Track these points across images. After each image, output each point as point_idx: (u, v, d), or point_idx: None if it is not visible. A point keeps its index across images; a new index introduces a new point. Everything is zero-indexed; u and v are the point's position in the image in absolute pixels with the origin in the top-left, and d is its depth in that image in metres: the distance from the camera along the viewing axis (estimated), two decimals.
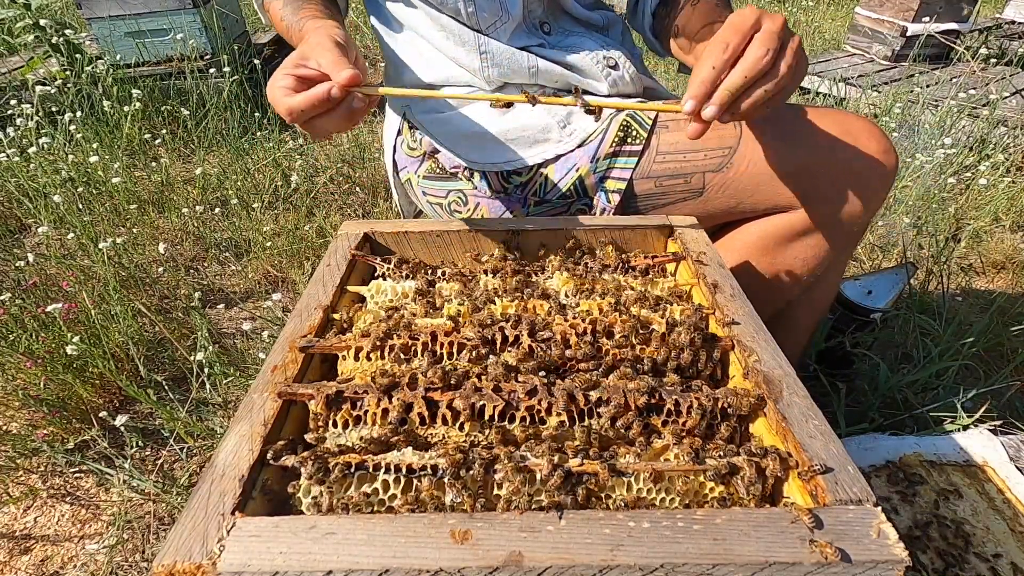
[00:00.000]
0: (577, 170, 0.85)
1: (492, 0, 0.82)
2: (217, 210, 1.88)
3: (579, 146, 0.85)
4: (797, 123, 0.77)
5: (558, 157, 0.86)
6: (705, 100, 0.60)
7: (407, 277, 0.70)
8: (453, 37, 0.85)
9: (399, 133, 0.96)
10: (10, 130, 2.04)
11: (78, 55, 2.38)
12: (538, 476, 0.45)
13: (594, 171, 0.84)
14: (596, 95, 0.88)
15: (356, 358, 0.55)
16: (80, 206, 1.76)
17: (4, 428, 1.17)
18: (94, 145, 2.01)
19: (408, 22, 0.88)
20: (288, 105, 0.60)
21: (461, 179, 0.92)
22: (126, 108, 2.16)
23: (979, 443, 0.90)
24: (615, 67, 0.88)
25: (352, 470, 0.45)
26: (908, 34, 2.79)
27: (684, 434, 0.50)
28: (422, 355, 0.55)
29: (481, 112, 0.88)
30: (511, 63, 0.85)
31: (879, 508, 0.40)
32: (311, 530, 0.38)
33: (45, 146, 1.97)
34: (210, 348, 1.20)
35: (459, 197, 0.94)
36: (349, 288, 0.67)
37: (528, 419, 0.50)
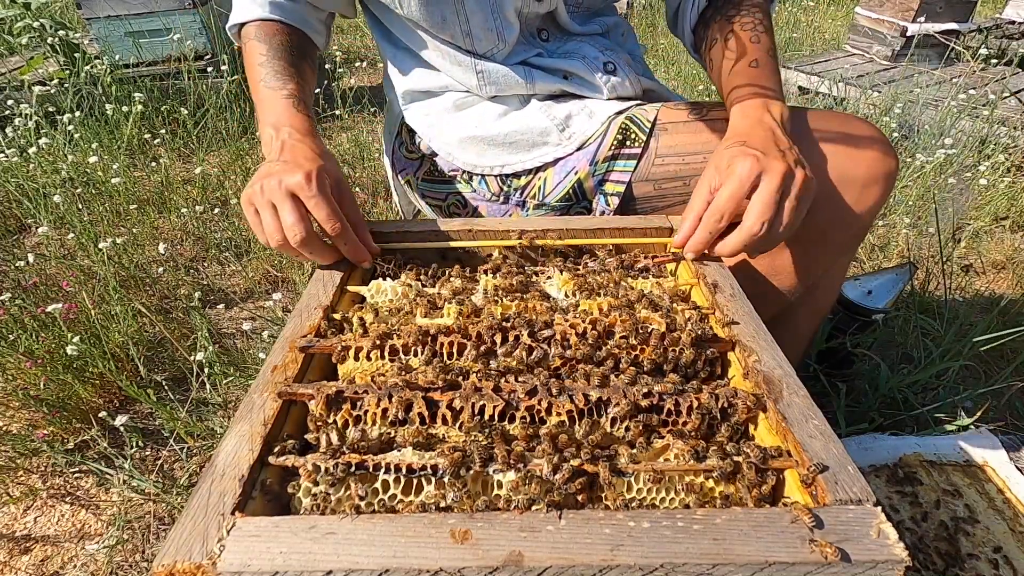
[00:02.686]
0: (576, 173, 0.85)
1: (489, 30, 0.81)
2: (217, 210, 1.88)
3: (578, 149, 0.84)
4: (796, 127, 0.77)
5: (557, 160, 0.86)
6: (700, 253, 0.68)
7: (407, 277, 0.70)
8: (450, 57, 0.85)
9: (398, 135, 0.96)
10: (9, 130, 2.04)
11: (77, 55, 2.38)
12: (539, 475, 0.45)
13: (593, 174, 0.84)
14: (596, 100, 0.88)
15: (356, 358, 0.55)
16: (80, 206, 1.76)
17: (4, 428, 1.17)
18: (93, 145, 2.01)
19: (406, 39, 0.88)
20: (295, 242, 0.63)
21: (460, 182, 0.92)
22: (125, 108, 2.16)
23: (979, 443, 0.90)
24: (613, 72, 0.88)
25: (352, 470, 0.45)
26: (908, 34, 2.79)
27: (684, 434, 0.50)
28: (422, 355, 0.55)
29: (479, 116, 0.87)
30: (507, 79, 0.85)
31: (879, 508, 0.40)
32: (311, 530, 0.38)
33: (44, 146, 1.97)
34: (210, 348, 1.20)
35: (458, 200, 0.94)
36: (349, 288, 0.67)
37: (528, 419, 0.50)
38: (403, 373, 0.53)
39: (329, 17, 0.90)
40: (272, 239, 0.63)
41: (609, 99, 0.88)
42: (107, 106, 2.13)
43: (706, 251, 0.68)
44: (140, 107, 2.15)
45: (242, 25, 0.84)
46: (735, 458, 0.46)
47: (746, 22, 0.80)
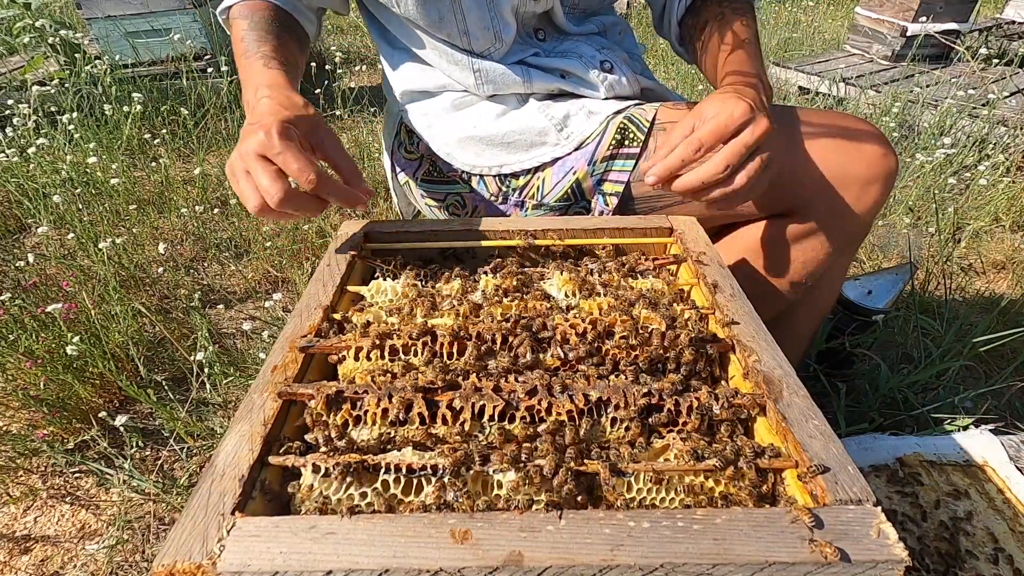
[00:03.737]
0: (574, 173, 0.85)
1: (486, 29, 0.81)
2: (217, 210, 1.88)
3: (576, 149, 0.84)
4: (796, 126, 0.77)
5: (555, 160, 0.86)
6: (664, 179, 0.65)
7: (407, 277, 0.70)
8: (447, 56, 0.85)
9: (397, 135, 0.96)
10: (9, 130, 2.04)
11: (77, 55, 2.38)
12: (538, 476, 0.45)
13: (591, 174, 0.84)
14: (594, 99, 0.88)
15: (356, 358, 0.55)
16: (80, 206, 1.76)
17: (4, 428, 1.17)
18: (92, 145, 2.01)
19: (403, 39, 0.88)
20: (275, 203, 0.58)
21: (459, 183, 0.92)
22: (125, 108, 2.16)
23: (979, 443, 0.90)
24: (611, 70, 0.88)
25: (352, 470, 0.45)
26: (908, 34, 2.79)
27: (684, 434, 0.50)
28: (422, 355, 0.55)
29: (478, 116, 0.87)
30: (504, 78, 0.85)
31: (879, 508, 0.40)
32: (311, 530, 0.38)
33: (44, 146, 1.97)
34: (210, 348, 1.20)
35: (457, 200, 0.94)
36: (349, 288, 0.67)
37: (528, 419, 0.50)
38: (404, 373, 0.53)
39: (319, 9, 0.89)
40: (252, 204, 0.59)
41: (607, 98, 0.88)
42: (105, 106, 2.13)
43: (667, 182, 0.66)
44: (139, 107, 2.14)
45: (230, 9, 0.83)
46: (732, 456, 0.46)
47: (737, 7, 0.82)
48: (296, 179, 0.59)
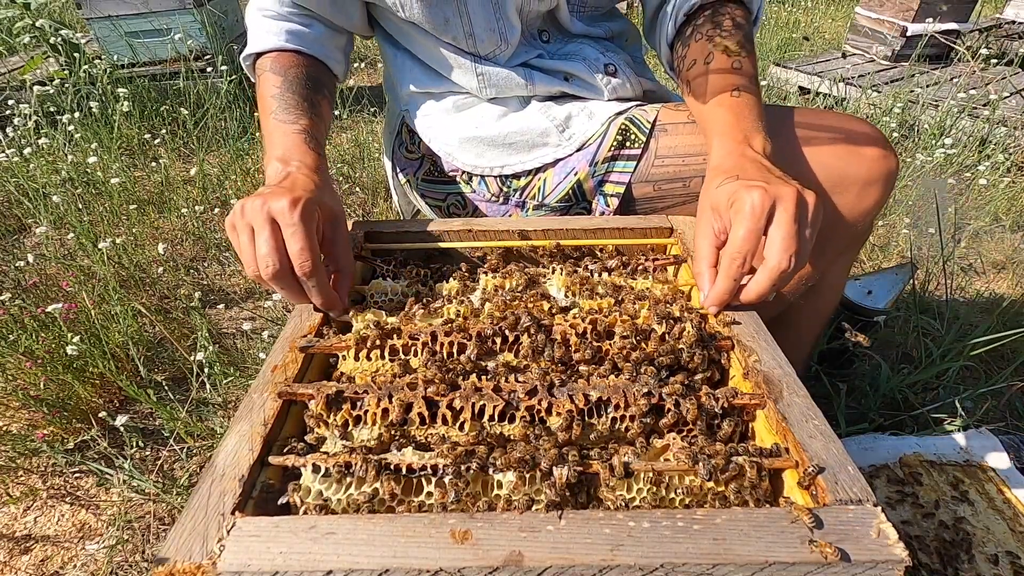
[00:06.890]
0: (576, 174, 0.85)
1: (491, 31, 0.81)
2: (217, 210, 1.88)
3: (578, 150, 0.84)
4: (796, 127, 0.77)
5: (557, 161, 0.86)
6: (724, 305, 0.60)
7: (407, 277, 0.70)
8: (450, 60, 0.84)
9: (398, 135, 0.96)
10: (9, 130, 2.04)
11: (76, 55, 2.38)
12: (538, 475, 0.45)
13: (593, 175, 0.84)
14: (596, 101, 0.88)
15: (356, 358, 0.55)
16: (80, 206, 1.76)
17: (4, 428, 1.17)
18: (92, 145, 2.01)
19: (406, 42, 0.88)
20: (266, 275, 0.56)
21: (460, 183, 0.92)
22: (125, 106, 2.16)
23: (979, 443, 0.90)
24: (614, 74, 0.88)
25: (352, 470, 0.45)
26: (908, 34, 2.79)
27: (684, 435, 0.50)
28: (422, 355, 0.55)
29: (479, 117, 0.87)
30: (508, 82, 0.85)
31: (879, 508, 0.40)
32: (311, 530, 0.38)
33: (44, 146, 1.97)
34: (210, 348, 1.20)
35: (458, 200, 0.94)
36: None
37: (528, 419, 0.50)
38: (404, 373, 0.53)
39: (348, 44, 0.88)
40: (247, 268, 0.57)
41: (609, 100, 0.88)
42: (92, 103, 2.12)
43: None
44: (130, 105, 2.14)
45: (258, 56, 0.81)
46: (736, 458, 0.46)
47: (730, 46, 0.74)
48: (292, 258, 0.57)
